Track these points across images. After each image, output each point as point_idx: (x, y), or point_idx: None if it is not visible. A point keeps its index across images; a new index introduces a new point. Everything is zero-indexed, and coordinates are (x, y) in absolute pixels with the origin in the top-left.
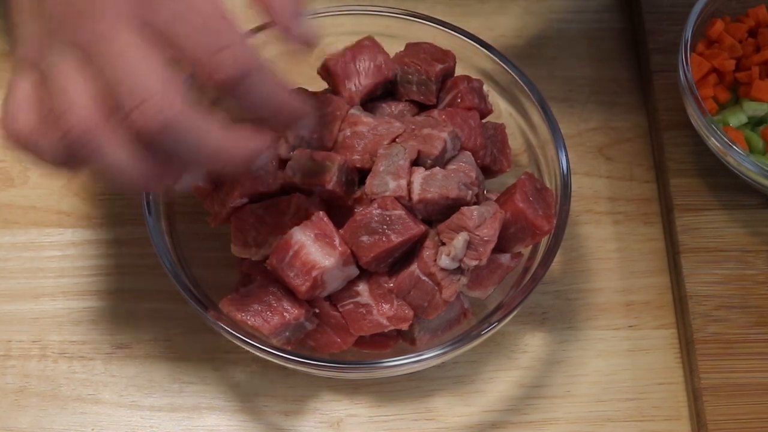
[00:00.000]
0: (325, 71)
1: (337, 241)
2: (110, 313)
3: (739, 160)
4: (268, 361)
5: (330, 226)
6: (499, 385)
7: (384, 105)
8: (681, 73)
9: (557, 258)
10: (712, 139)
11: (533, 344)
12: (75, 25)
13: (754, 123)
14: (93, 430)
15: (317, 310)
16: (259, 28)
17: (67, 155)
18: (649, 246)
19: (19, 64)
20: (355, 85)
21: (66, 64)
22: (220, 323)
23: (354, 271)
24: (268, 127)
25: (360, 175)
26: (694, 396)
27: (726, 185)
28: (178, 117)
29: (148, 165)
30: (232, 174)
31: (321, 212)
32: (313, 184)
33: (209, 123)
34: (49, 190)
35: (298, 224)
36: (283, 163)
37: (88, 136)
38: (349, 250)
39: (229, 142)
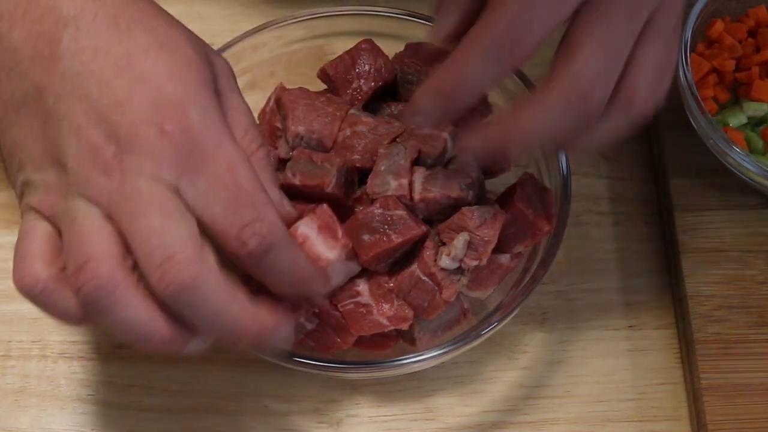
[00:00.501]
0: (325, 76)
1: (339, 234)
2: None
3: (739, 160)
4: (268, 361)
5: (333, 219)
6: (499, 385)
7: (384, 105)
8: (681, 73)
9: (557, 258)
10: (712, 139)
11: (533, 344)
12: (102, 179)
13: (754, 123)
14: (93, 430)
15: (317, 310)
16: (259, 29)
17: (83, 309)
18: (649, 246)
19: (30, 212)
20: (355, 90)
21: (88, 218)
22: None
23: (355, 267)
24: (287, 296)
25: (360, 174)
26: (694, 396)
27: (726, 185)
28: (198, 282)
29: (163, 326)
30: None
31: (324, 204)
32: (313, 186)
33: (231, 293)
34: None
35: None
36: (282, 162)
37: (106, 291)
38: (350, 243)
39: (247, 315)
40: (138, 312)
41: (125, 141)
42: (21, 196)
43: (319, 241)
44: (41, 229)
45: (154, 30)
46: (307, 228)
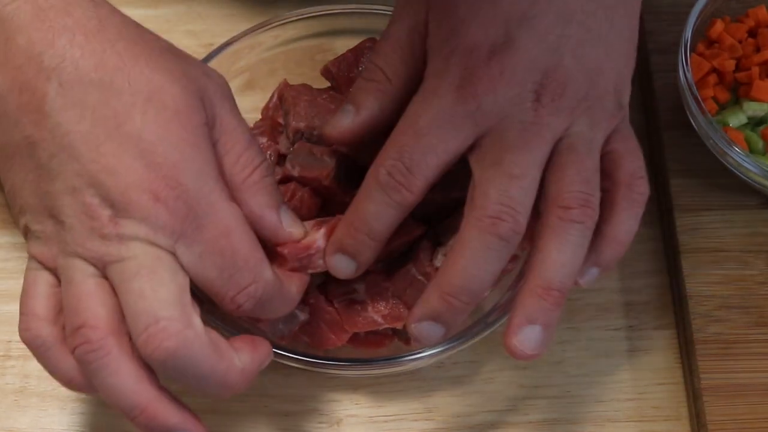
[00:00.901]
0: (328, 73)
1: None
2: None
3: (739, 160)
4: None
5: None
6: (499, 385)
7: None
8: (681, 73)
9: None
10: (712, 139)
11: None
12: (99, 242)
13: (754, 123)
14: (93, 430)
15: (312, 301)
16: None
17: (78, 370)
18: (649, 246)
19: (32, 260)
20: None
21: (85, 279)
22: (213, 317)
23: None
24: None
25: (359, 171)
26: (694, 396)
27: (726, 185)
28: (184, 347)
29: (148, 397)
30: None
31: (340, 216)
32: (311, 178)
33: (217, 354)
34: None
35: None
36: (282, 157)
37: (96, 356)
38: None
39: (235, 373)
40: (125, 380)
41: (119, 206)
42: (25, 237)
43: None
44: (43, 282)
45: (137, 81)
46: (322, 241)
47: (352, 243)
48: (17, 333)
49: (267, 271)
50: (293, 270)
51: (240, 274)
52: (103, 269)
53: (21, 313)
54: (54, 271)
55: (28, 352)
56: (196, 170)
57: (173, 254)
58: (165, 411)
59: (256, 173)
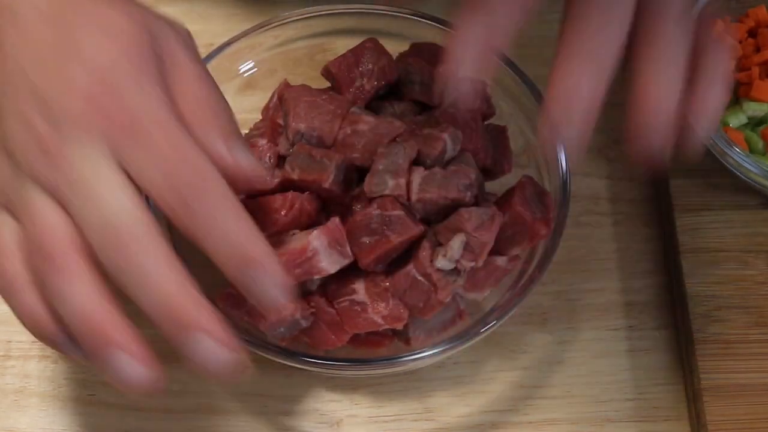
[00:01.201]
0: (328, 73)
1: (348, 250)
2: None
3: (739, 160)
4: (268, 360)
5: (343, 234)
6: (499, 385)
7: (386, 104)
8: None
9: (557, 258)
10: (712, 139)
11: (533, 344)
12: (45, 164)
13: (754, 123)
14: (93, 430)
15: (313, 309)
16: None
17: (42, 299)
18: (649, 246)
19: None
20: (358, 89)
21: (38, 202)
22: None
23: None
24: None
25: (359, 173)
26: (694, 396)
27: (726, 185)
28: (140, 253)
29: (111, 310)
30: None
31: (337, 219)
32: (310, 181)
33: (175, 268)
34: None
35: (290, 222)
36: (281, 158)
37: (57, 270)
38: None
39: (190, 297)
40: (86, 295)
41: (58, 116)
42: None
43: (325, 256)
44: (5, 224)
45: (90, 12)
46: (317, 241)
47: None
48: (17, 333)
49: (219, 180)
50: (297, 279)
51: (186, 176)
52: (54, 190)
53: None
54: (10, 211)
55: (29, 352)
56: (141, 88)
57: (117, 165)
58: (123, 328)
59: (207, 108)
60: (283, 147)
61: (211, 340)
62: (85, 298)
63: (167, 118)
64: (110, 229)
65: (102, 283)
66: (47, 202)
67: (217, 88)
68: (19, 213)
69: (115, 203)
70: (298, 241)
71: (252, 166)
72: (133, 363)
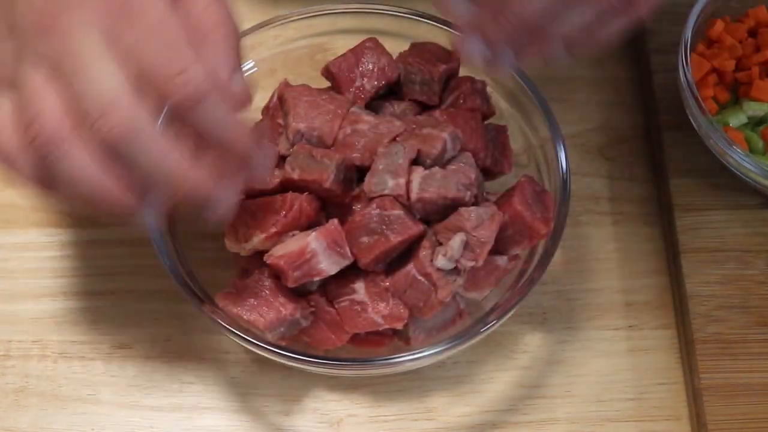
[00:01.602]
0: (328, 73)
1: (347, 251)
2: (110, 313)
3: (739, 160)
4: (268, 360)
5: (342, 235)
6: (499, 384)
7: (386, 104)
8: (681, 73)
9: (557, 258)
10: (712, 139)
11: (533, 344)
12: (44, 39)
13: (754, 123)
14: (93, 430)
15: (313, 309)
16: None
17: (40, 167)
18: (649, 246)
19: None
20: (358, 88)
21: (35, 76)
22: (214, 317)
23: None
24: (226, 162)
25: (359, 173)
26: (694, 396)
27: (726, 185)
28: (140, 128)
29: (112, 177)
30: (193, 210)
31: (335, 220)
32: (311, 181)
33: (170, 142)
34: None
35: (289, 222)
36: (281, 159)
37: (55, 143)
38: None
39: (186, 164)
40: (86, 166)
41: None
42: None
43: (324, 257)
44: (5, 97)
45: None
46: (316, 243)
47: None
48: (17, 333)
49: (203, 70)
50: (297, 280)
51: (179, 58)
52: (55, 65)
53: None
54: (14, 85)
55: (29, 352)
56: None
57: (113, 44)
58: (128, 192)
59: (218, 29)
60: (283, 147)
61: (222, 206)
62: (88, 163)
63: (169, 12)
64: (107, 106)
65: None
66: (42, 74)
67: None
68: (20, 89)
69: (112, 81)
70: (297, 242)
71: (245, 93)
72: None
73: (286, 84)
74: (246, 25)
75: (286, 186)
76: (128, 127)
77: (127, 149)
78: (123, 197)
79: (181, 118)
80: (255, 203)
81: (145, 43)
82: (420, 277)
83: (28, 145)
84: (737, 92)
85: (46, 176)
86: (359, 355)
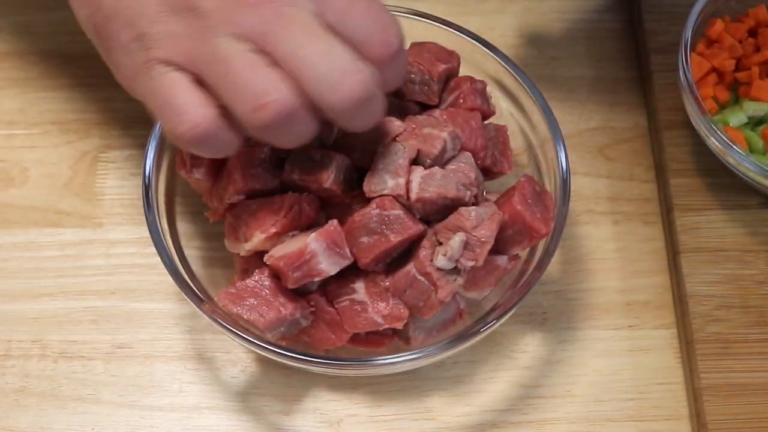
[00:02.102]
0: None
1: (347, 252)
2: (110, 313)
3: (739, 159)
4: (268, 360)
5: (342, 236)
6: (498, 384)
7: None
8: (681, 73)
9: (557, 258)
10: (712, 139)
11: (533, 344)
12: (247, 16)
13: (754, 123)
14: (93, 430)
15: (313, 308)
16: None
17: (265, 137)
18: (649, 246)
19: (159, 66)
20: None
21: (243, 55)
22: (214, 317)
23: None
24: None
25: (359, 173)
26: (694, 396)
27: (726, 185)
28: (372, 96)
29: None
30: None
31: (335, 221)
32: (311, 181)
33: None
34: (49, 189)
35: (289, 223)
36: (280, 160)
37: (289, 119)
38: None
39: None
40: (309, 128)
41: None
42: (130, 53)
43: (324, 258)
44: (181, 79)
45: None
46: (315, 244)
47: None
48: (17, 333)
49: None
50: (297, 281)
51: (381, 17)
52: (260, 43)
53: (174, 113)
54: (191, 68)
55: (29, 352)
56: None
57: (320, 17)
58: None
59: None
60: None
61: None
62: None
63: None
64: (342, 77)
65: None
66: (251, 49)
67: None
68: (212, 64)
69: (342, 55)
70: (296, 242)
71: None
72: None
73: None
74: None
75: (286, 186)
76: (361, 98)
77: (360, 116)
78: None
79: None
80: (255, 203)
81: (349, 11)
82: (420, 277)
83: (257, 128)
84: (737, 92)
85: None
86: (359, 355)
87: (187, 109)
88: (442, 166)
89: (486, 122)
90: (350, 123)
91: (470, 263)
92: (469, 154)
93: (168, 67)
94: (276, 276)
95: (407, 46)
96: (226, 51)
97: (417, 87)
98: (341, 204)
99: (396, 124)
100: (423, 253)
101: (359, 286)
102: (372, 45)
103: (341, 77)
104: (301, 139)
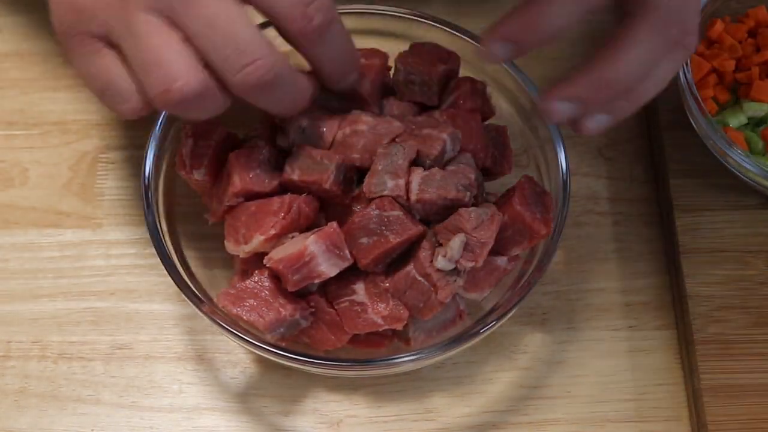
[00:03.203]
0: None
1: (347, 253)
2: (110, 313)
3: (739, 160)
4: (268, 361)
5: (341, 237)
6: (499, 385)
7: (386, 104)
8: (681, 73)
9: (557, 258)
10: (712, 139)
11: (533, 345)
12: None
13: (754, 123)
14: (93, 430)
15: (313, 309)
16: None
17: (174, 113)
18: (649, 246)
19: (90, 42)
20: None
21: (154, 29)
22: (214, 317)
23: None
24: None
25: (359, 173)
26: (694, 396)
27: (726, 185)
28: (283, 71)
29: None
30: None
31: (334, 223)
32: (311, 182)
33: (299, 74)
34: (48, 190)
35: (288, 224)
36: (281, 154)
37: (196, 100)
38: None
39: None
40: (223, 103)
41: None
42: (74, 24)
43: (324, 259)
44: (109, 56)
45: None
46: (314, 246)
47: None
48: (17, 333)
49: (274, 53)
50: (297, 284)
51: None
52: (175, 16)
53: (111, 93)
54: (111, 39)
55: (29, 353)
56: None
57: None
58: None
59: None
60: (282, 141)
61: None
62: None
63: None
64: (250, 60)
65: None
66: (161, 23)
67: None
68: (127, 38)
69: (248, 32)
70: (296, 244)
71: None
72: None
73: None
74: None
75: (286, 187)
76: (272, 73)
77: (269, 89)
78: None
79: (309, 45)
80: (254, 205)
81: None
82: (420, 278)
83: (159, 102)
84: (737, 93)
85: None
86: (359, 356)
87: (120, 91)
88: (442, 167)
89: (486, 123)
90: (262, 105)
91: (470, 264)
92: (469, 154)
93: (98, 42)
94: (275, 277)
95: (342, 22)
96: (137, 27)
97: (417, 88)
98: (341, 205)
99: (395, 125)
100: (423, 254)
101: (359, 287)
102: (289, 19)
103: (239, 59)
104: (211, 114)
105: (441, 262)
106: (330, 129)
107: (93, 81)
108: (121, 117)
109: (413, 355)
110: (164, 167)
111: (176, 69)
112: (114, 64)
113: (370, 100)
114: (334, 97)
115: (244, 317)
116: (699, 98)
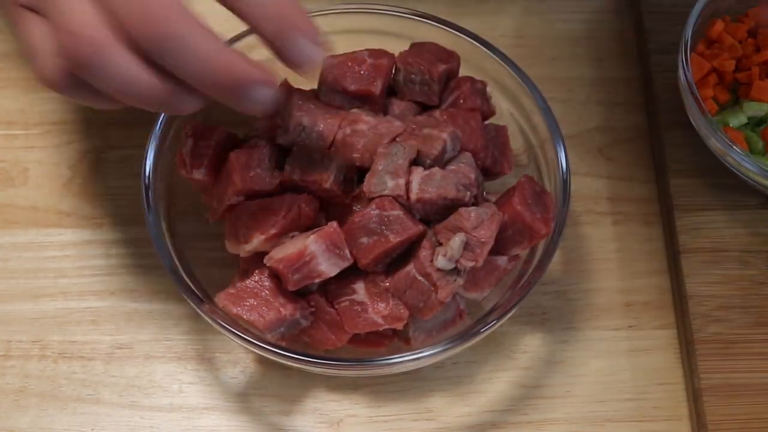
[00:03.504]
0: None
1: (347, 253)
2: (110, 313)
3: (739, 160)
4: (268, 361)
5: (341, 237)
6: (499, 385)
7: (390, 104)
8: (681, 73)
9: (557, 258)
10: (712, 139)
11: (533, 344)
12: None
13: (754, 123)
14: (93, 430)
15: (313, 309)
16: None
17: (80, 79)
18: (649, 246)
19: (17, 10)
20: None
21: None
22: (214, 317)
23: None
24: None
25: (359, 173)
26: (694, 396)
27: (726, 185)
28: (179, 27)
29: (152, 78)
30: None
31: (334, 223)
32: (311, 181)
33: (211, 37)
34: (49, 190)
35: (288, 224)
36: (281, 152)
37: (96, 53)
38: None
39: (227, 56)
40: (128, 68)
41: None
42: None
43: (324, 259)
44: (34, 21)
45: None
46: (314, 245)
47: None
48: (17, 333)
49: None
50: (297, 283)
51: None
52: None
53: (31, 57)
54: (36, 6)
55: (29, 352)
56: None
57: None
58: (169, 88)
59: None
60: (282, 140)
61: (266, 87)
62: (130, 66)
63: None
64: (146, 6)
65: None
66: None
67: None
68: (50, 7)
69: None
70: (296, 244)
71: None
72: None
73: (286, 84)
74: (246, 25)
75: (286, 186)
76: (169, 29)
77: (167, 50)
78: (163, 94)
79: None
80: (254, 204)
81: None
82: (420, 278)
83: (68, 59)
84: (737, 92)
85: (85, 86)
86: (359, 356)
87: (33, 53)
88: (442, 166)
89: (486, 122)
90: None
91: (470, 264)
92: (469, 154)
93: (23, 9)
94: (276, 276)
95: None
96: None
97: (417, 87)
98: (341, 205)
99: (396, 125)
100: (423, 253)
101: (359, 286)
102: (130, 22)
103: (140, 11)
104: (120, 84)
105: (441, 262)
106: (330, 128)
107: (23, 48)
108: (45, 84)
109: (413, 354)
110: (164, 167)
111: (85, 20)
112: (39, 29)
113: (380, 101)
114: (341, 95)
115: (244, 317)
116: (699, 98)
